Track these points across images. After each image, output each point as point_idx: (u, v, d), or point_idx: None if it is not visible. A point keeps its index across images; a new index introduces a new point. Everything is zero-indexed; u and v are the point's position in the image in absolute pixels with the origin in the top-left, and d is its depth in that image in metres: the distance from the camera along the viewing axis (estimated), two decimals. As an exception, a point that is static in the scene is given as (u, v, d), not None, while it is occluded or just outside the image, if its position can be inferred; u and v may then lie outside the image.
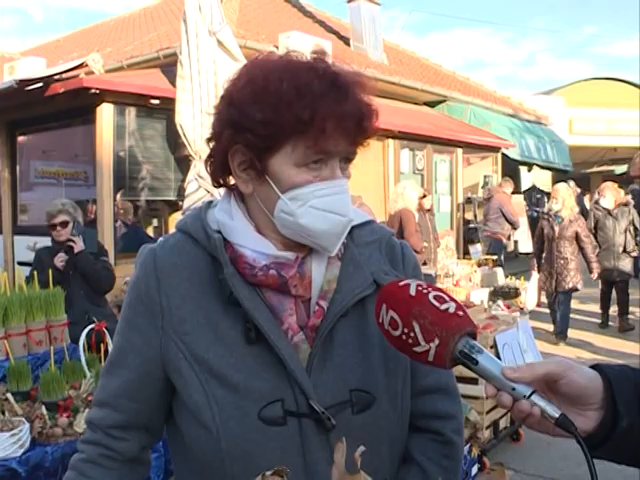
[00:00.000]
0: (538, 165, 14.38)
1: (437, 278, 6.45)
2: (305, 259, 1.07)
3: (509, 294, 6.29)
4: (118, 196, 6.88)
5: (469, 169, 13.19)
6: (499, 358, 0.94)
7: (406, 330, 0.87)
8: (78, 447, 1.12)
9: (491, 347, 4.13)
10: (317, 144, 0.98)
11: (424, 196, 7.72)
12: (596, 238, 7.92)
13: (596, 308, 8.40)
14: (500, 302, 5.58)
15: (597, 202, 8.26)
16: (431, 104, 12.85)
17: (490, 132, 12.54)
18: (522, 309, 5.81)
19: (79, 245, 4.30)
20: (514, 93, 16.50)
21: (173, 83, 6.34)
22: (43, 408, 2.57)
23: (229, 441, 1.00)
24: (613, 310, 8.09)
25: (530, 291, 7.29)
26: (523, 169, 14.90)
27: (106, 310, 4.52)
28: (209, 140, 1.08)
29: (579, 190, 14.40)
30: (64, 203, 4.49)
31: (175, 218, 7.33)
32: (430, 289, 0.90)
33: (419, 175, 10.79)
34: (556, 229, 7.10)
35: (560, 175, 15.08)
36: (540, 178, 15.56)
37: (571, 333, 7.39)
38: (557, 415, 0.80)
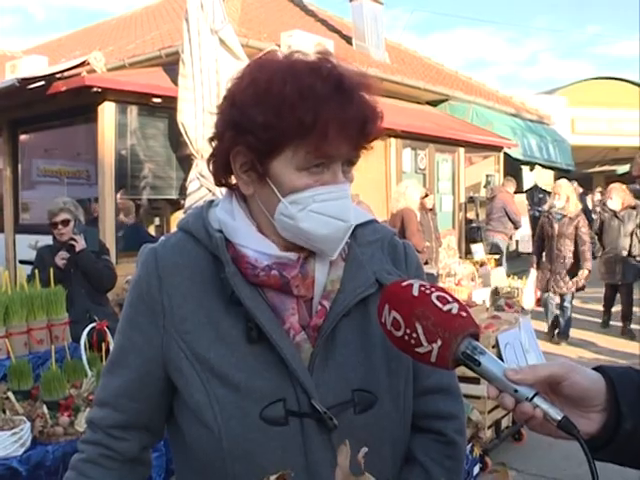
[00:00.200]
0: (540, 165, 14.37)
1: (439, 277, 6.46)
2: (308, 259, 1.07)
3: (510, 294, 6.29)
4: (118, 195, 6.87)
5: (471, 168, 13.17)
6: (501, 358, 0.93)
7: (408, 331, 0.87)
8: (78, 447, 1.11)
9: (493, 347, 4.10)
10: (318, 149, 0.97)
11: (426, 195, 7.71)
12: (601, 241, 7.78)
13: (598, 307, 8.36)
14: (502, 302, 5.58)
15: (604, 203, 8.09)
16: (433, 103, 12.83)
17: (492, 131, 12.51)
18: (523, 308, 5.80)
19: (80, 243, 4.30)
20: (516, 92, 16.50)
21: (175, 82, 6.34)
22: (44, 407, 2.57)
23: (230, 441, 0.99)
24: (616, 310, 8.01)
25: (528, 290, 7.22)
26: (525, 169, 14.88)
27: (107, 309, 4.51)
28: (212, 139, 1.07)
29: (581, 190, 14.37)
30: (65, 201, 4.49)
31: (177, 217, 7.32)
32: (433, 289, 0.89)
33: (421, 174, 10.77)
34: (555, 227, 7.00)
35: (562, 175, 15.05)
36: (542, 178, 15.52)
37: (573, 333, 7.37)
38: (559, 418, 0.79)
